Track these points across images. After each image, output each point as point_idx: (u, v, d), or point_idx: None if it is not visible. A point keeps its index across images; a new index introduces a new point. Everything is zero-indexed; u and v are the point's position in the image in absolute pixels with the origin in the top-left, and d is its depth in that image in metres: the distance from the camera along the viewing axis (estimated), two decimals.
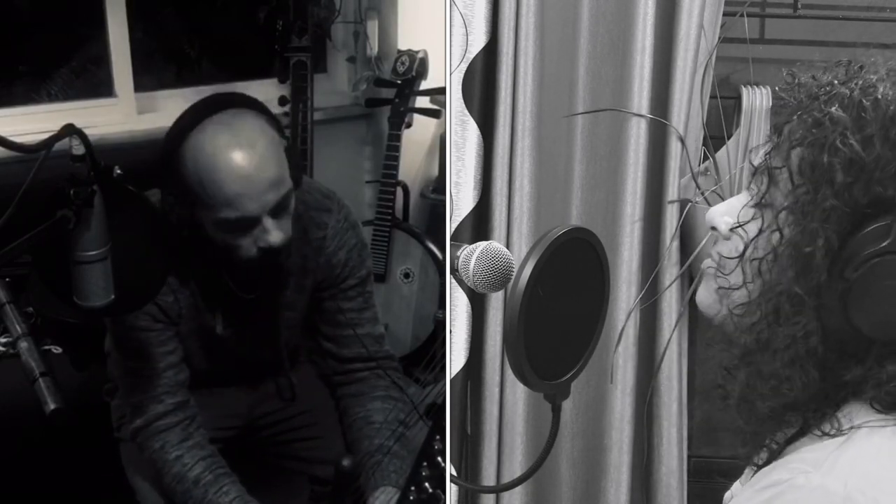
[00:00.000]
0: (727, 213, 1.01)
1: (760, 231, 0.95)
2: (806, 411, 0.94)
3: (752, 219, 0.97)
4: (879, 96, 0.89)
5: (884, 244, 0.86)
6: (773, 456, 0.97)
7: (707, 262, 1.04)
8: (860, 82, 0.91)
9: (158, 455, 1.66)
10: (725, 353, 0.99)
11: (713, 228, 1.03)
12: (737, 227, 0.98)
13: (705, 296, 1.04)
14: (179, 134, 1.52)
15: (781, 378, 0.93)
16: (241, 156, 1.49)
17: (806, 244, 0.90)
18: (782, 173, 0.93)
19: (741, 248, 0.97)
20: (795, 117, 0.93)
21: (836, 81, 0.92)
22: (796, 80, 0.96)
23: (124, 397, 1.72)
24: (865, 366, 0.91)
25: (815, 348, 0.91)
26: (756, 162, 0.97)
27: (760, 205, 0.95)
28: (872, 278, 0.87)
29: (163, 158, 1.53)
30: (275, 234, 1.54)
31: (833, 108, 0.89)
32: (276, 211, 1.54)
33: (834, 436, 0.91)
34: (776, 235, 0.93)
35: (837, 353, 0.92)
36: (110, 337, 1.68)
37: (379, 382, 1.83)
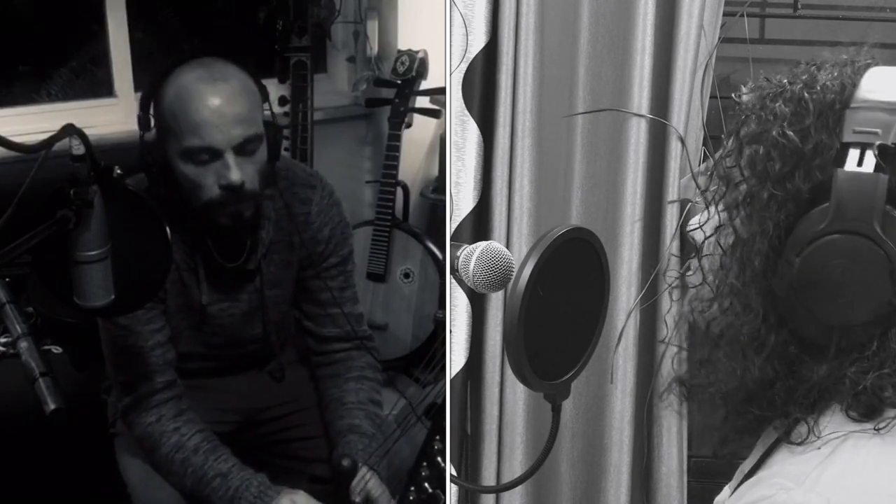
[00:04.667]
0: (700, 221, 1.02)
1: (716, 229, 0.97)
2: (778, 414, 0.93)
3: (710, 218, 0.99)
4: (819, 87, 0.90)
5: (822, 226, 0.87)
6: (757, 465, 0.95)
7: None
8: (805, 77, 0.93)
9: (154, 428, 1.67)
10: (688, 349, 1.01)
11: (692, 239, 1.04)
12: (695, 228, 1.00)
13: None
14: (163, 73, 1.60)
15: (722, 365, 0.94)
16: (212, 87, 1.56)
17: (747, 233, 0.92)
18: (735, 172, 0.95)
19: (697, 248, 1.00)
20: (744, 118, 0.95)
21: (785, 80, 0.94)
22: (755, 86, 0.98)
23: (114, 375, 1.73)
24: (829, 362, 0.90)
25: (763, 337, 0.92)
26: (711, 165, 0.99)
27: (721, 209, 0.97)
28: (815, 260, 0.87)
29: (146, 95, 1.62)
30: (235, 172, 1.57)
31: (777, 105, 0.91)
32: (241, 149, 1.58)
33: (812, 443, 0.89)
34: (730, 231, 0.95)
35: (798, 346, 0.92)
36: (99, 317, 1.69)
37: (354, 363, 1.86)
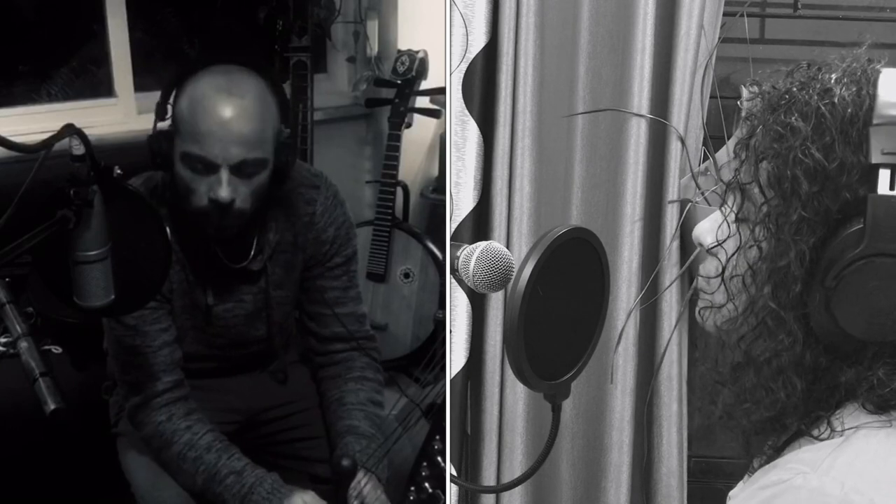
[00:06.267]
0: (712, 229, 1.02)
1: (738, 248, 0.96)
2: (798, 416, 0.95)
3: (730, 236, 0.98)
4: (836, 100, 0.89)
5: (858, 250, 0.87)
6: (772, 457, 0.97)
7: (700, 281, 1.05)
8: (817, 86, 0.91)
9: (165, 427, 1.67)
10: (714, 371, 1.01)
11: (700, 245, 1.04)
12: (715, 246, 0.99)
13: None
14: (190, 69, 1.60)
15: (766, 390, 0.94)
16: (226, 100, 1.55)
17: (780, 258, 0.91)
18: (753, 188, 0.94)
19: (721, 267, 0.99)
20: (759, 130, 0.94)
21: (794, 88, 0.93)
22: (759, 91, 0.97)
23: (120, 375, 1.72)
24: (860, 367, 0.91)
25: (800, 358, 0.92)
26: (726, 178, 0.98)
27: (737, 221, 0.97)
28: (853, 284, 0.87)
29: (169, 85, 1.61)
30: (225, 189, 1.56)
31: (793, 119, 0.90)
32: (238, 169, 1.57)
33: (828, 439, 0.91)
34: (754, 251, 0.94)
35: (830, 358, 0.93)
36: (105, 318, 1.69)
37: (355, 364, 1.86)
